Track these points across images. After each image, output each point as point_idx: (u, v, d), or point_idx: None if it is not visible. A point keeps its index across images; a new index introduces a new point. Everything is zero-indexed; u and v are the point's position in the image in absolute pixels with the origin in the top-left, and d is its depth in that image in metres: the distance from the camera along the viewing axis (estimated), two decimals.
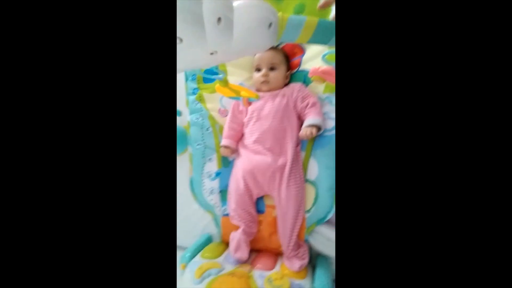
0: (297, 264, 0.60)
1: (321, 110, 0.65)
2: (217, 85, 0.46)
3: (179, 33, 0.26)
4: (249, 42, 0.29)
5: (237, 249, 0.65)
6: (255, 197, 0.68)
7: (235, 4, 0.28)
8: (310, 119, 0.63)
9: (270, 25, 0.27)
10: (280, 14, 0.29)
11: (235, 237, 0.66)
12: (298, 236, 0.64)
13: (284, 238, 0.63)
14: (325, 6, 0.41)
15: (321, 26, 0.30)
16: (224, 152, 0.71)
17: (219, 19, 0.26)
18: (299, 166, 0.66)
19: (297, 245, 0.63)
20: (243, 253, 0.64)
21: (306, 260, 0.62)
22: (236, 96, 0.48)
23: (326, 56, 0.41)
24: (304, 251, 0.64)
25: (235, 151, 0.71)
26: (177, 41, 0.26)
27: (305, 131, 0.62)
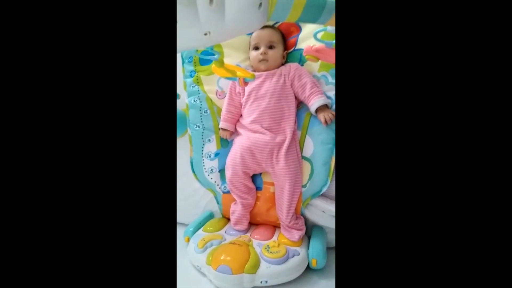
0: (296, 234, 0.65)
1: (321, 90, 0.67)
2: (213, 65, 0.47)
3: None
4: (240, 22, 0.30)
5: (236, 222, 0.71)
6: (251, 173, 0.72)
7: None
8: (318, 100, 0.65)
9: (260, 5, 0.29)
10: None
11: (235, 211, 0.71)
12: (295, 209, 0.69)
13: (282, 211, 0.67)
14: None
15: (310, 4, 0.31)
16: (222, 134, 0.74)
17: (211, 1, 0.27)
18: (296, 143, 0.69)
19: (295, 217, 0.68)
20: (242, 226, 0.71)
21: (303, 231, 0.67)
22: (232, 76, 0.49)
23: (318, 34, 0.42)
24: (302, 222, 0.68)
25: (233, 133, 0.74)
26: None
27: (323, 117, 0.64)
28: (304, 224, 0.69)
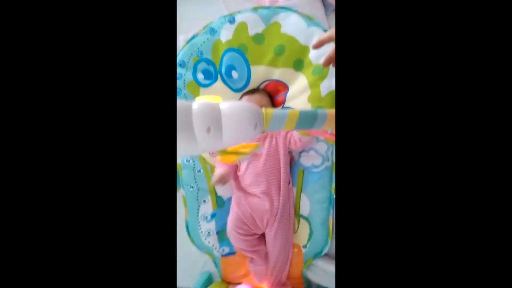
0: None
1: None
2: (219, 157, 0.46)
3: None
4: (236, 140, 0.31)
5: (262, 279, 0.68)
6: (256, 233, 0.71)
7: (222, 107, 0.30)
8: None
9: (256, 126, 0.30)
10: (263, 110, 0.32)
11: (256, 269, 0.68)
12: (288, 274, 0.67)
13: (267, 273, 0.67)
14: (320, 45, 0.42)
15: (302, 117, 0.33)
16: (220, 181, 0.66)
17: (208, 129, 0.28)
18: (291, 205, 0.69)
19: (280, 284, 0.67)
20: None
21: None
22: (239, 154, 0.47)
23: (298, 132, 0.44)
24: None
25: (229, 179, 0.69)
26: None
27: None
28: None
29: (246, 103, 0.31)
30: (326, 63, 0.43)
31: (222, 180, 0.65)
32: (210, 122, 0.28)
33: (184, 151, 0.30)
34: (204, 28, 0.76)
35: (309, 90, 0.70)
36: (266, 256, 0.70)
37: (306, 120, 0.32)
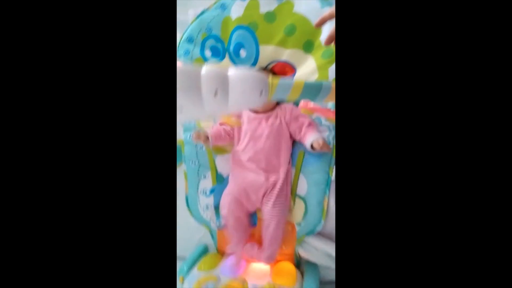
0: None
1: (317, 128, 0.68)
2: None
3: (179, 102, 0.29)
4: (242, 106, 0.32)
5: (237, 269, 0.70)
6: (249, 211, 0.73)
7: (229, 73, 0.30)
8: (313, 135, 0.65)
9: (261, 92, 0.31)
10: (270, 79, 0.32)
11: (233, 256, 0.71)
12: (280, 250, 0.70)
13: (264, 247, 0.70)
14: (321, 24, 0.42)
15: (307, 87, 0.33)
16: (198, 136, 0.67)
17: (215, 92, 0.29)
18: (288, 184, 0.70)
19: (271, 258, 0.69)
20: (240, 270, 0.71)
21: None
22: None
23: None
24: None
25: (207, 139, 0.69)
26: (178, 110, 0.29)
27: (316, 144, 0.62)
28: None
29: (253, 71, 0.32)
30: (328, 42, 0.43)
31: (201, 137, 0.67)
32: (217, 84, 0.29)
33: (190, 115, 0.31)
34: (215, 3, 0.74)
35: (317, 73, 0.70)
36: (244, 238, 0.72)
37: (311, 90, 0.33)
